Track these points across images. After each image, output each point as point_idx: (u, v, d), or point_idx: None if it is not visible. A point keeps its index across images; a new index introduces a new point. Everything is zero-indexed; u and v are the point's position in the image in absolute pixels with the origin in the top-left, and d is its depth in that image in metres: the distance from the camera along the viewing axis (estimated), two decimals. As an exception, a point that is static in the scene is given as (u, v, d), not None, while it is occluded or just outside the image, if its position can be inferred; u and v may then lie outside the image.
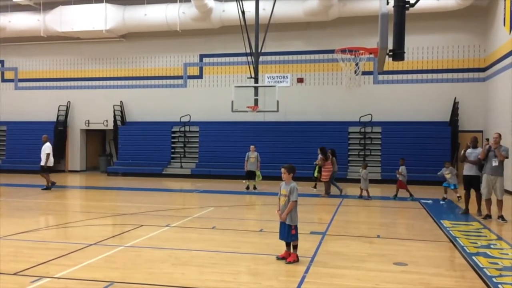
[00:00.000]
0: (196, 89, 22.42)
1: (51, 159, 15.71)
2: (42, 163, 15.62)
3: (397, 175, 14.16)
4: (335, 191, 14.89)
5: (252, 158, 15.66)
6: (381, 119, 19.92)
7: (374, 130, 19.82)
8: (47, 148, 15.59)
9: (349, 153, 19.96)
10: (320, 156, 14.74)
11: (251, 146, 15.93)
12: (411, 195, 13.87)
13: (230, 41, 20.91)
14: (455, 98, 19.18)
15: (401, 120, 19.96)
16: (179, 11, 20.46)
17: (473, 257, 6.97)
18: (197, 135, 21.69)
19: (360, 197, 14.08)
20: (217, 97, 21.60)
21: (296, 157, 17.84)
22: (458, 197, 13.30)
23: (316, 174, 15.33)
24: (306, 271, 6.21)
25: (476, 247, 7.72)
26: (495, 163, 10.15)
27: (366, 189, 13.97)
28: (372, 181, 17.83)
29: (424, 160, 17.69)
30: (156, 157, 21.62)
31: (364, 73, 16.36)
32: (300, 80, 21.23)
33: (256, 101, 17.27)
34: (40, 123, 23.51)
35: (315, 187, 15.92)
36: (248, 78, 18.54)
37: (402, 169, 14.05)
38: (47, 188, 15.46)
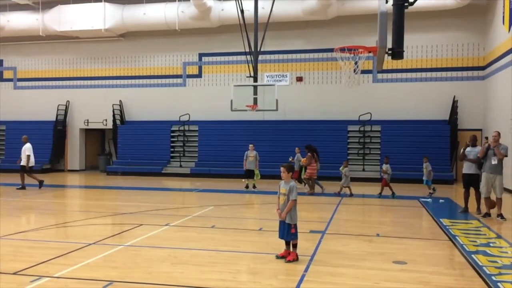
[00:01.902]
0: (195, 88, 22.41)
1: (32, 159, 15.71)
2: (23, 163, 15.65)
3: (382, 174, 14.28)
4: (307, 188, 15.02)
5: (250, 157, 15.67)
6: (380, 117, 19.93)
7: (373, 128, 19.83)
8: (27, 149, 15.63)
9: (349, 151, 19.96)
10: (307, 154, 14.78)
11: (250, 145, 15.94)
12: (380, 193, 14.17)
13: (229, 40, 20.89)
14: (454, 97, 19.18)
15: (400, 119, 19.97)
16: (178, 10, 20.45)
17: (473, 256, 6.98)
18: (196, 134, 21.68)
19: (351, 195, 14.25)
20: (216, 96, 21.59)
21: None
22: (431, 192, 14.35)
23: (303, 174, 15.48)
24: (306, 270, 6.22)
25: (476, 245, 7.72)
26: (494, 161, 10.16)
27: (342, 186, 14.24)
28: (371, 180, 17.98)
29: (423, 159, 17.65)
30: (155, 156, 21.62)
31: (363, 72, 16.30)
32: (299, 79, 21.23)
33: (255, 100, 17.27)
34: (39, 122, 23.50)
35: (305, 185, 15.94)
36: (247, 77, 18.53)
37: (387, 167, 14.19)
38: (40, 185, 15.45)
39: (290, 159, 16.03)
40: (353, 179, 18.15)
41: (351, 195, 14.17)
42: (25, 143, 15.77)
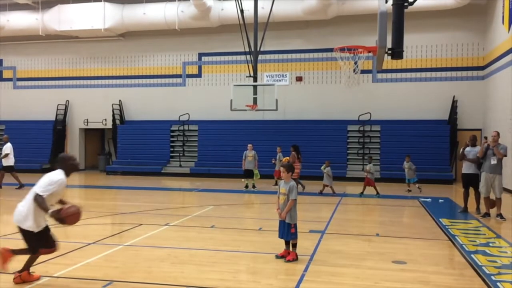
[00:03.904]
0: (195, 88, 22.41)
1: (12, 159, 15.75)
2: (5, 164, 15.71)
3: (365, 173, 14.37)
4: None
5: (249, 157, 15.67)
6: (380, 117, 19.92)
7: (373, 128, 19.82)
8: (7, 148, 15.73)
9: (348, 151, 19.95)
10: (291, 153, 14.80)
11: (248, 145, 15.95)
12: (377, 192, 14.23)
13: (229, 40, 20.89)
14: (454, 97, 19.19)
15: (400, 119, 19.97)
16: (177, 10, 20.44)
17: (472, 255, 6.99)
18: (196, 134, 21.68)
19: (321, 193, 14.37)
20: (216, 96, 21.58)
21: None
22: (409, 190, 15.09)
23: None
24: (305, 270, 6.23)
25: (475, 245, 7.74)
26: (493, 161, 10.17)
27: (331, 186, 14.37)
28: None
29: (422, 159, 17.66)
30: (155, 156, 21.61)
31: (363, 71, 16.32)
32: (299, 79, 21.22)
33: (255, 99, 17.28)
34: (38, 122, 23.49)
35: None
36: (247, 76, 18.54)
37: (370, 167, 14.36)
38: None
39: (272, 161, 16.06)
40: (353, 179, 18.31)
41: (321, 193, 14.34)
42: (6, 142, 15.88)
